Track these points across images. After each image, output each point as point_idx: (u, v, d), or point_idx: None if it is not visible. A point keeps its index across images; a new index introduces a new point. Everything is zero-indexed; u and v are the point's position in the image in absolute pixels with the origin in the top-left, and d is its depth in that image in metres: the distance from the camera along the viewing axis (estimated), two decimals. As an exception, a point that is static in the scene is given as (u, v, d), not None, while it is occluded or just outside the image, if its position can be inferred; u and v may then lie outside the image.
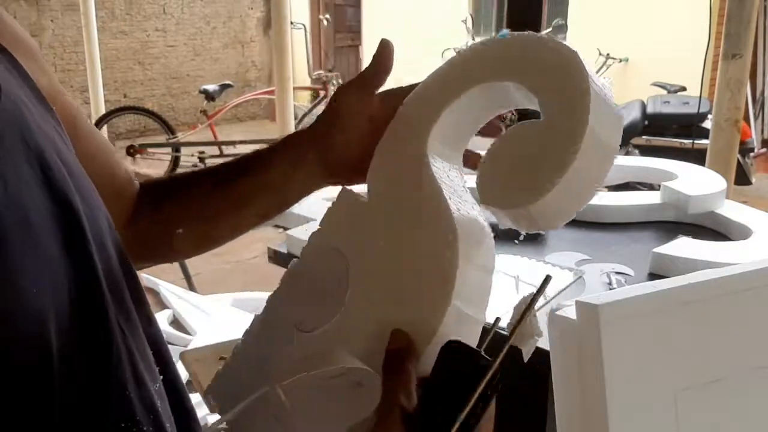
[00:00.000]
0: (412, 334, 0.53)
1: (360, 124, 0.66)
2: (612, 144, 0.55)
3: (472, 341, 0.53)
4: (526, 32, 0.60)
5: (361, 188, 0.64)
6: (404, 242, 0.57)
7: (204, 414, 2.65)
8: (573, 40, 6.49)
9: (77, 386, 0.50)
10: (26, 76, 0.59)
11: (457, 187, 0.60)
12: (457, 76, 0.62)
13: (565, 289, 1.38)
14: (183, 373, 2.57)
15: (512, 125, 0.58)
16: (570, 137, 0.52)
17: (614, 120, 0.56)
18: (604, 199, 1.92)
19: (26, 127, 0.53)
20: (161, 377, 0.60)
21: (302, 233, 1.60)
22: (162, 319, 2.76)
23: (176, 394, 0.63)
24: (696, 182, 1.83)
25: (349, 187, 0.65)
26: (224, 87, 6.34)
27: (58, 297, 0.50)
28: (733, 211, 1.74)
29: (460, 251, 0.54)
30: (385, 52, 0.66)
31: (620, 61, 6.15)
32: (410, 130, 0.62)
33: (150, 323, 0.63)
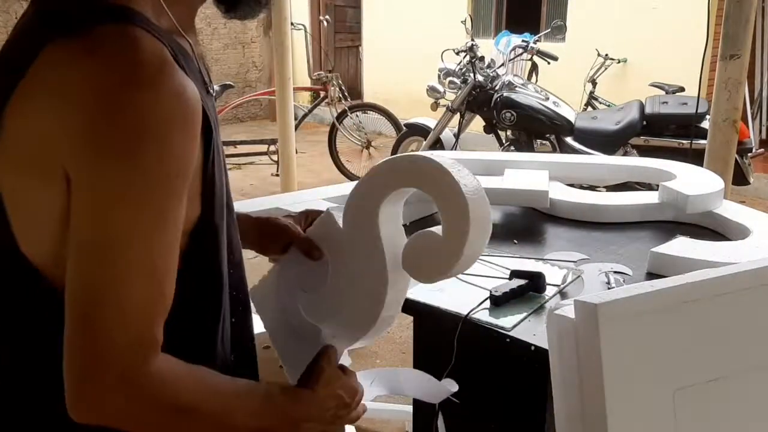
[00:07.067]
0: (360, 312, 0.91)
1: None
2: (486, 219, 0.83)
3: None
4: (423, 155, 0.86)
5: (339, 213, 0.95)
6: (359, 263, 0.91)
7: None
8: (572, 40, 6.50)
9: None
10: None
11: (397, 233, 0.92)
12: (384, 182, 0.90)
13: (563, 288, 1.38)
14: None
15: None
16: (459, 239, 0.81)
17: (486, 201, 0.83)
18: (603, 199, 1.92)
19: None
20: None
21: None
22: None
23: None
24: (694, 182, 1.84)
25: (331, 211, 0.97)
26: (225, 87, 6.33)
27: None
28: (731, 211, 1.75)
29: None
30: (314, 254, 0.97)
31: (619, 61, 6.16)
32: (363, 212, 0.91)
33: None
